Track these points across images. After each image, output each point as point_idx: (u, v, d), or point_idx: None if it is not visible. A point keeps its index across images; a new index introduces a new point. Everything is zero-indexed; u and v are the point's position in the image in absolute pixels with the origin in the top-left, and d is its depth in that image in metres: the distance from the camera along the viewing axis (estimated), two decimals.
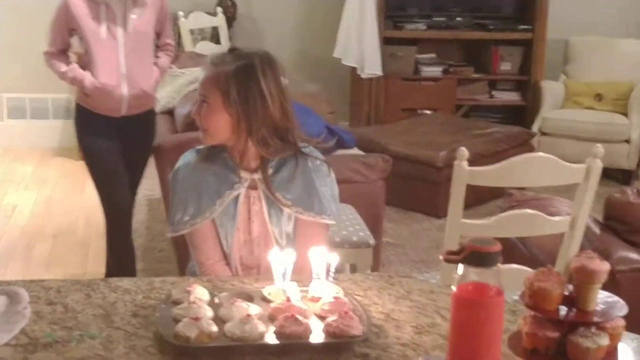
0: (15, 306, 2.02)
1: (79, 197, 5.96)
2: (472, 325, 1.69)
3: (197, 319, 1.91)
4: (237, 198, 2.51)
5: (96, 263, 4.80)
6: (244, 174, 2.51)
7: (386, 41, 7.01)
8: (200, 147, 2.57)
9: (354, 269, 3.68)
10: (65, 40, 3.97)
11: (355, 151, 5.04)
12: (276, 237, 2.52)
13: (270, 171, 2.50)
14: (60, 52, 3.99)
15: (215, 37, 6.85)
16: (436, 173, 5.64)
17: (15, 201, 5.86)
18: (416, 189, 5.74)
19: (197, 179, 2.50)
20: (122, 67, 3.88)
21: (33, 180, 6.36)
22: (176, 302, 2.05)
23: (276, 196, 2.49)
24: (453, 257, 1.70)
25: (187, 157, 2.57)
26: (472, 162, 2.84)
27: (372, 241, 3.80)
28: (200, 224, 2.50)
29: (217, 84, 2.42)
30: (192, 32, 6.60)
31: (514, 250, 3.56)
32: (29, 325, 1.97)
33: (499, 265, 1.68)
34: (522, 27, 7.20)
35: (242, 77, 2.42)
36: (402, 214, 5.71)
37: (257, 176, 2.51)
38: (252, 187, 2.52)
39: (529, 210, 2.91)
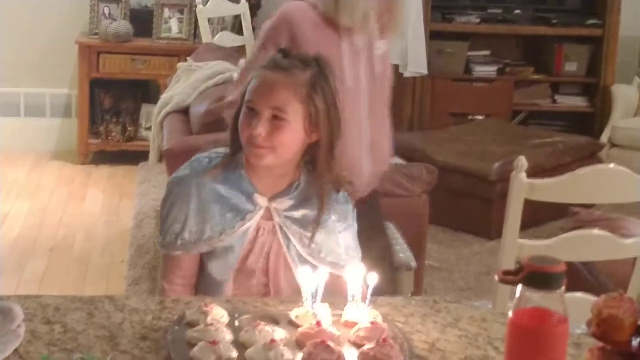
0: (7, 324, 2.04)
1: (78, 207, 6.02)
2: (530, 357, 1.69)
3: (214, 342, 1.93)
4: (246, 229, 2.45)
5: (96, 282, 4.84)
6: (259, 200, 2.44)
7: (433, 35, 7.01)
8: (213, 155, 2.49)
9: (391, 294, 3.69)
10: None
11: (396, 160, 5.05)
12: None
13: (291, 202, 2.46)
14: None
15: (237, 27, 6.89)
16: (489, 188, 5.64)
17: (6, 210, 5.91)
18: (465, 205, 5.74)
19: (203, 198, 2.42)
20: (364, 130, 3.07)
21: (26, 187, 6.41)
22: (191, 324, 2.06)
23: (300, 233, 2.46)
24: (510, 278, 1.70)
25: (195, 167, 2.47)
26: (531, 175, 2.84)
27: (413, 263, 3.79)
28: (196, 252, 2.45)
29: (297, 95, 2.36)
30: (210, 21, 6.65)
31: (578, 276, 3.55)
32: (22, 345, 1.99)
33: (563, 288, 1.69)
34: (591, 21, 7.19)
35: (323, 86, 2.40)
36: (448, 234, 5.71)
37: (274, 204, 2.45)
38: (266, 217, 2.46)
39: (597, 231, 2.90)
